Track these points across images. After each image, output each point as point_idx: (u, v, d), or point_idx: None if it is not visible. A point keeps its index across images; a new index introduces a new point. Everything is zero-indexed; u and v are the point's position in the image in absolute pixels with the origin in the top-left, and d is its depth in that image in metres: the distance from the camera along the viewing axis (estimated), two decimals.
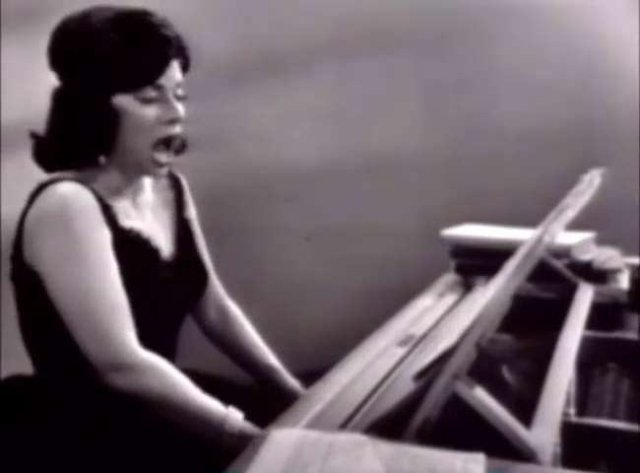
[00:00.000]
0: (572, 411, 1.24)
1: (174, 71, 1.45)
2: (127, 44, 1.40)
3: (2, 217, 2.93)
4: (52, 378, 1.43)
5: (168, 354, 1.49)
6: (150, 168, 1.46)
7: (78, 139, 1.43)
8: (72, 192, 1.38)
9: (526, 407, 1.08)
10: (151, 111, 1.42)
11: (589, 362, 1.45)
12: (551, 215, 1.48)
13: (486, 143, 2.83)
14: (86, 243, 1.36)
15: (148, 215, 1.53)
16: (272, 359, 1.69)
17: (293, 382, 1.66)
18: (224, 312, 1.69)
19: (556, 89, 2.78)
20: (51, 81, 1.44)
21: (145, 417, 1.34)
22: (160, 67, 1.42)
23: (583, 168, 1.76)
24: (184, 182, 1.64)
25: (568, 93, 2.77)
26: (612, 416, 1.29)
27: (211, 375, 1.59)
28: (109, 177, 1.46)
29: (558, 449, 1.05)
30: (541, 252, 1.39)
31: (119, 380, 1.32)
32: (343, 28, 2.89)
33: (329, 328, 2.85)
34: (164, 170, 1.48)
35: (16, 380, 1.46)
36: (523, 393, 1.22)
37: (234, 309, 1.71)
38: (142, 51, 1.40)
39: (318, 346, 2.59)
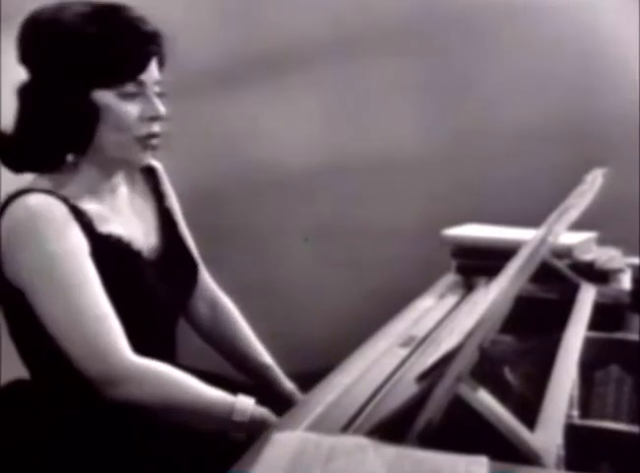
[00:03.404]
0: (575, 413, 1.23)
1: (154, 68, 1.41)
2: (108, 38, 1.35)
3: None
4: (50, 387, 1.40)
5: (168, 353, 1.47)
6: (134, 157, 1.41)
7: (53, 137, 1.37)
8: (40, 205, 1.31)
9: (528, 408, 1.08)
10: (132, 108, 1.38)
11: (591, 363, 1.44)
12: (554, 215, 1.48)
13: (488, 143, 2.83)
14: (60, 258, 1.30)
15: (126, 213, 1.47)
16: (267, 358, 1.64)
17: (288, 383, 1.63)
18: (215, 306, 1.64)
19: (558, 88, 2.77)
20: None
21: (147, 421, 1.32)
22: (143, 62, 1.38)
23: (585, 168, 1.75)
24: (161, 171, 1.58)
25: (570, 92, 2.76)
26: (615, 418, 1.28)
27: (211, 373, 1.57)
28: (84, 177, 1.40)
29: (562, 452, 1.04)
30: (544, 253, 1.38)
31: (119, 393, 1.29)
32: (343, 27, 2.88)
33: (329, 329, 2.84)
34: (148, 158, 1.44)
35: (19, 384, 1.44)
36: (525, 395, 1.21)
37: (227, 303, 1.66)
38: (124, 46, 1.36)
39: (318, 347, 2.58)
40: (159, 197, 1.55)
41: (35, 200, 1.32)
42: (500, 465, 0.90)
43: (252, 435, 1.25)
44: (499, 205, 2.57)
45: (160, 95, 1.43)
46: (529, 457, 0.93)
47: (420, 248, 2.62)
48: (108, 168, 1.42)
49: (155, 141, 1.42)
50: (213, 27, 2.84)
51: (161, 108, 1.41)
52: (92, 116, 1.36)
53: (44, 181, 1.38)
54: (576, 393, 1.26)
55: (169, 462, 1.33)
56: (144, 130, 1.39)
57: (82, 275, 1.31)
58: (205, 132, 2.90)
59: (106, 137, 1.38)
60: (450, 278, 2.01)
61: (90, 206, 1.39)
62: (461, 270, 2.00)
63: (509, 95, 2.82)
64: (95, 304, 1.30)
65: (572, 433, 1.11)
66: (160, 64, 1.44)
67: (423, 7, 2.86)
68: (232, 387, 1.54)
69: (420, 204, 2.87)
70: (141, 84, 1.38)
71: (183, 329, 1.62)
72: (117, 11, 1.37)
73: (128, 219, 1.46)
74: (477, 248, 1.99)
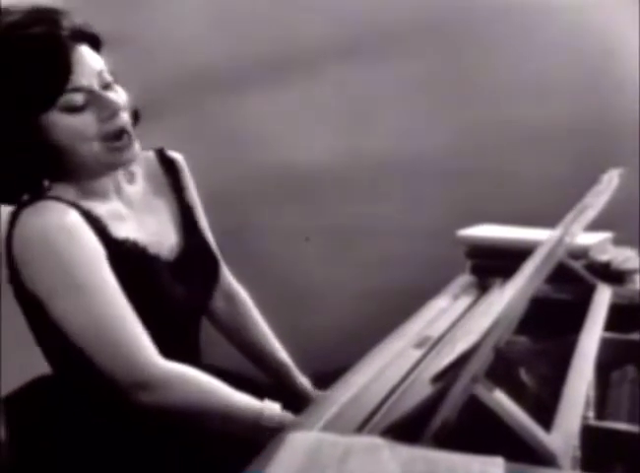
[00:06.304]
0: (591, 414, 1.23)
1: (88, 60, 1.30)
2: (20, 63, 1.25)
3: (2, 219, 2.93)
4: (74, 385, 1.38)
5: (192, 354, 1.46)
6: (114, 159, 1.33)
7: (13, 172, 1.30)
8: (51, 213, 1.27)
9: (544, 409, 1.07)
10: (86, 117, 1.29)
11: (607, 364, 1.43)
12: (570, 215, 1.47)
13: (502, 143, 2.82)
14: (77, 266, 1.26)
15: (141, 212, 1.43)
16: (282, 354, 1.63)
17: (303, 380, 1.62)
18: (232, 298, 1.62)
19: (572, 87, 2.76)
20: None
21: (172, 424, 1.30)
22: (65, 67, 1.26)
23: (601, 169, 1.75)
24: (181, 163, 1.54)
25: (585, 91, 2.75)
26: (631, 419, 1.28)
27: (236, 374, 1.56)
28: (84, 183, 1.35)
29: (578, 453, 1.04)
30: (560, 254, 1.38)
31: (150, 399, 1.25)
32: (346, 28, 2.88)
33: (343, 329, 2.84)
34: (129, 155, 1.35)
35: (42, 381, 1.42)
36: (541, 395, 1.21)
37: (243, 295, 1.64)
38: (37, 61, 1.24)
39: (331, 347, 2.58)
40: (179, 192, 1.51)
41: (46, 209, 1.28)
42: (516, 466, 0.89)
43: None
44: (514, 205, 2.56)
45: (111, 83, 1.33)
46: (544, 458, 0.93)
47: (435, 249, 2.62)
48: (96, 175, 1.36)
49: (127, 134, 1.34)
50: (216, 27, 2.84)
51: (117, 100, 1.32)
52: (43, 142, 1.29)
53: (52, 189, 1.34)
54: (592, 394, 1.26)
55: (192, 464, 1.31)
56: (108, 129, 1.31)
57: (101, 281, 1.27)
58: (208, 133, 2.91)
59: (75, 153, 1.31)
60: (465, 278, 2.00)
61: (102, 210, 1.35)
62: (476, 271, 2.00)
63: (524, 95, 2.81)
64: (118, 309, 1.26)
65: (588, 434, 1.10)
66: (96, 48, 1.34)
67: (428, 8, 2.85)
68: (257, 389, 1.53)
69: (434, 204, 2.87)
70: (80, 89, 1.28)
71: (210, 329, 1.62)
72: (19, 26, 1.26)
73: (143, 219, 1.43)
74: (492, 249, 1.98)
